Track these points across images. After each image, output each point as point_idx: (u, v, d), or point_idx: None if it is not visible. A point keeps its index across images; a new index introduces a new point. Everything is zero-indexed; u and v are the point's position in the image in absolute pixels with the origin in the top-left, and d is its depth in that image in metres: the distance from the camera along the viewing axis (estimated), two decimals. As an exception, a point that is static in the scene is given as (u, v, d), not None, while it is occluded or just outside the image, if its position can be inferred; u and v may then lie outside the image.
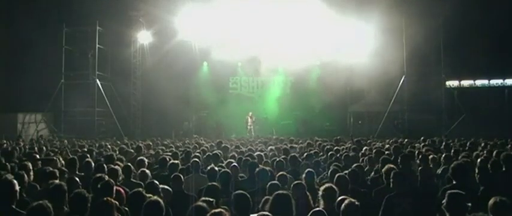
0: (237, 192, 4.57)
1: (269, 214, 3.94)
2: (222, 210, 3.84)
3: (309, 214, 4.25)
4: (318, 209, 4.35)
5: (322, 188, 4.93)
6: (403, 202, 5.33)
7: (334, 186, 4.97)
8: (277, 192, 4.51)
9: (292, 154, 8.44)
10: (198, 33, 21.59)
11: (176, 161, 7.60)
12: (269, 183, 5.57)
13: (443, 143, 11.54)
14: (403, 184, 5.62)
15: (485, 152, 9.11)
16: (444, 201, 4.39)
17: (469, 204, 4.35)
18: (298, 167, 7.71)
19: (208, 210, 4.02)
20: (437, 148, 10.69)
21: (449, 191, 4.49)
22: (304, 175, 6.49)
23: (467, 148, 10.27)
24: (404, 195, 5.44)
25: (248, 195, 4.49)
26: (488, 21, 19.31)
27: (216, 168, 6.71)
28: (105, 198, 4.39)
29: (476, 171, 5.86)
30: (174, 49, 21.58)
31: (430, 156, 8.21)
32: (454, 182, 5.64)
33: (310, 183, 5.89)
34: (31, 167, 6.39)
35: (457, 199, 4.35)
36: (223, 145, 11.71)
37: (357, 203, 4.30)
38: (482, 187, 5.52)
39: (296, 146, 11.97)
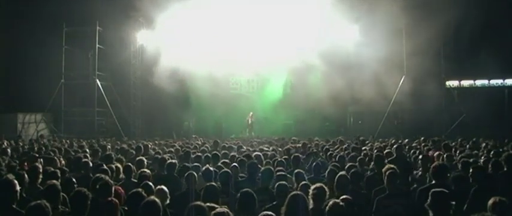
0: (243, 190, 4.58)
1: (272, 214, 3.93)
2: (225, 209, 3.84)
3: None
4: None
5: (312, 188, 4.90)
6: (393, 203, 5.31)
7: (324, 186, 4.94)
8: (292, 193, 4.54)
9: (295, 154, 8.42)
10: (198, 33, 21.59)
11: (174, 161, 7.57)
12: (277, 184, 5.56)
13: (444, 143, 11.52)
14: (396, 185, 5.61)
15: (485, 151, 9.13)
16: (429, 200, 4.40)
17: (453, 203, 4.36)
18: (300, 167, 7.68)
19: (206, 209, 4.03)
20: (437, 148, 10.68)
21: (433, 190, 4.51)
22: (294, 177, 6.49)
23: (468, 148, 10.29)
24: (396, 196, 5.42)
25: (254, 194, 4.50)
26: (489, 21, 19.30)
27: (211, 169, 6.71)
28: (109, 198, 4.41)
29: (471, 170, 5.87)
30: (174, 49, 21.57)
31: (435, 153, 8.25)
32: (433, 182, 5.66)
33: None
34: (41, 170, 6.34)
35: (440, 197, 4.36)
36: (221, 145, 11.72)
37: (341, 203, 4.28)
38: (475, 187, 5.52)
39: (299, 145, 11.93)
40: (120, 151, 10.47)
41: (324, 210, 4.65)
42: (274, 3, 20.63)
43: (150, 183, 5.71)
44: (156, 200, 4.16)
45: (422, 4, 18.77)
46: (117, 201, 4.41)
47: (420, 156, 8.22)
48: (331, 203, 4.28)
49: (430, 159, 7.89)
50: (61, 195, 4.89)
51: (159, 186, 5.65)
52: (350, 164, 7.47)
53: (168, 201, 5.44)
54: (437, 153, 8.50)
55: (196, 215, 4.12)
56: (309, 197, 4.82)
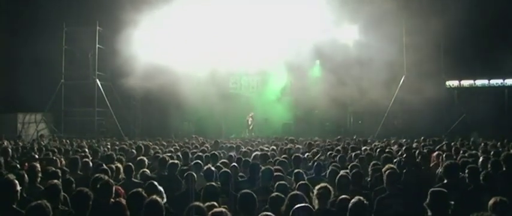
0: (243, 191, 4.58)
1: (271, 215, 3.94)
2: (222, 209, 3.85)
3: (294, 208, 4.18)
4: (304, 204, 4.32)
5: (317, 188, 4.91)
6: (394, 203, 5.30)
7: (328, 186, 4.95)
8: (291, 193, 4.54)
9: (296, 154, 8.42)
10: (197, 32, 21.59)
11: (175, 161, 7.56)
12: (277, 183, 5.56)
13: (444, 143, 11.55)
14: (396, 185, 5.60)
15: (484, 151, 9.13)
16: (427, 199, 4.42)
17: (452, 202, 4.36)
18: (302, 167, 7.68)
19: (205, 209, 4.04)
20: (437, 148, 10.69)
21: (431, 189, 4.52)
22: (293, 177, 6.50)
23: (467, 148, 10.29)
24: (396, 196, 5.41)
25: (254, 195, 4.50)
26: (489, 21, 19.30)
27: (213, 168, 6.70)
28: (117, 199, 4.41)
29: (466, 170, 5.87)
30: (173, 49, 21.55)
31: (435, 154, 8.27)
32: (445, 181, 5.65)
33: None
34: (39, 169, 6.35)
35: (439, 197, 4.37)
36: (221, 145, 11.73)
37: (365, 201, 4.29)
38: (471, 186, 5.53)
39: (299, 146, 11.95)
40: (120, 151, 10.47)
41: (329, 209, 4.66)
42: (274, 2, 20.62)
43: (155, 183, 5.64)
44: (159, 199, 4.14)
45: (422, 4, 18.78)
46: (124, 201, 4.42)
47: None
48: (354, 200, 4.29)
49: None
50: (62, 195, 4.89)
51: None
52: (352, 164, 7.46)
53: (165, 200, 5.43)
54: (436, 153, 8.52)
55: (196, 215, 4.12)
56: (314, 196, 4.83)
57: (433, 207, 4.33)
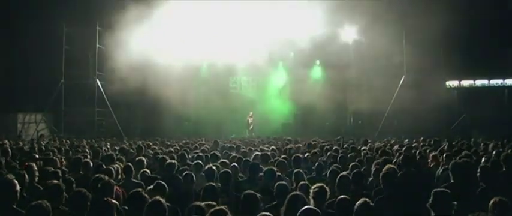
0: (246, 192, 4.58)
1: (270, 215, 3.93)
2: (223, 207, 3.84)
3: (301, 210, 4.13)
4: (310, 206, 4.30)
5: (312, 188, 4.89)
6: (393, 203, 5.30)
7: (325, 186, 4.94)
8: (291, 193, 4.53)
9: (296, 154, 8.41)
10: (198, 33, 21.59)
11: (173, 161, 7.54)
12: (277, 183, 5.55)
13: (444, 143, 11.53)
14: (393, 185, 5.58)
15: (485, 152, 9.12)
16: (430, 199, 4.39)
17: (455, 203, 4.34)
18: (302, 167, 7.67)
19: (205, 209, 4.04)
20: (439, 149, 10.66)
21: (434, 190, 4.50)
22: (293, 177, 6.49)
23: (466, 148, 10.27)
24: (395, 197, 5.37)
25: (257, 196, 4.50)
26: (489, 21, 19.29)
27: (214, 168, 6.70)
28: (105, 199, 4.39)
29: (478, 170, 5.85)
30: (173, 48, 21.54)
31: (432, 154, 8.25)
32: (452, 181, 5.63)
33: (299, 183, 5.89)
34: (36, 168, 6.34)
35: (441, 198, 4.35)
36: (221, 145, 11.73)
37: (371, 203, 4.27)
38: (482, 186, 5.50)
39: (300, 145, 11.95)
40: (120, 151, 10.47)
41: (324, 210, 4.66)
42: (274, 2, 20.62)
43: (164, 183, 5.56)
44: (162, 200, 4.12)
45: (422, 4, 18.77)
46: (113, 201, 4.40)
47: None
48: (360, 201, 4.26)
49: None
50: (63, 195, 4.88)
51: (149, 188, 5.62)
52: (353, 164, 7.45)
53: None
54: (433, 154, 8.47)
55: (196, 215, 4.12)
56: (310, 196, 4.83)
57: (436, 207, 4.30)
